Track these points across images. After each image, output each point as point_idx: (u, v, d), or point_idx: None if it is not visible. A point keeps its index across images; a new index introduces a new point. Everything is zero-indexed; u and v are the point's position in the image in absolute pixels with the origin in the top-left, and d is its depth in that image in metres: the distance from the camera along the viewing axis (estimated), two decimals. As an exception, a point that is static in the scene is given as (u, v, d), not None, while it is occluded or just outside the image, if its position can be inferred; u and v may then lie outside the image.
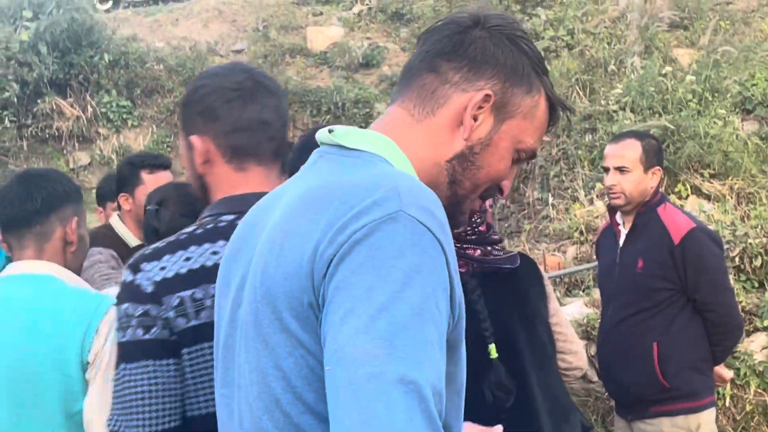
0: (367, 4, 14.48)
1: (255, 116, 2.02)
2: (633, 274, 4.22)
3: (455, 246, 2.84)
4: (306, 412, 1.33)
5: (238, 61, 10.71)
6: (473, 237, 2.87)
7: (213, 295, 1.80)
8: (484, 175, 1.55)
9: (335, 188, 1.37)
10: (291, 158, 2.50)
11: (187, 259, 1.92)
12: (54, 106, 12.29)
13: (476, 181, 1.55)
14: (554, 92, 1.60)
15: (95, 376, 2.55)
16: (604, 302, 4.46)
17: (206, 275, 1.89)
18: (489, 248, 2.89)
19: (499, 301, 2.86)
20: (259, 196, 1.83)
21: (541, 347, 2.96)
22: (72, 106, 12.39)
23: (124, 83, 12.61)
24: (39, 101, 12.24)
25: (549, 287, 3.13)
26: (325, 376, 1.23)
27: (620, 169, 4.23)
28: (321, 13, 14.64)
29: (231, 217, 1.97)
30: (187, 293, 1.89)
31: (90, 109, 12.43)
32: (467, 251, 2.85)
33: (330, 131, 1.54)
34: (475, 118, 1.52)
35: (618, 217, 4.39)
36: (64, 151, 12.40)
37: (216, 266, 1.77)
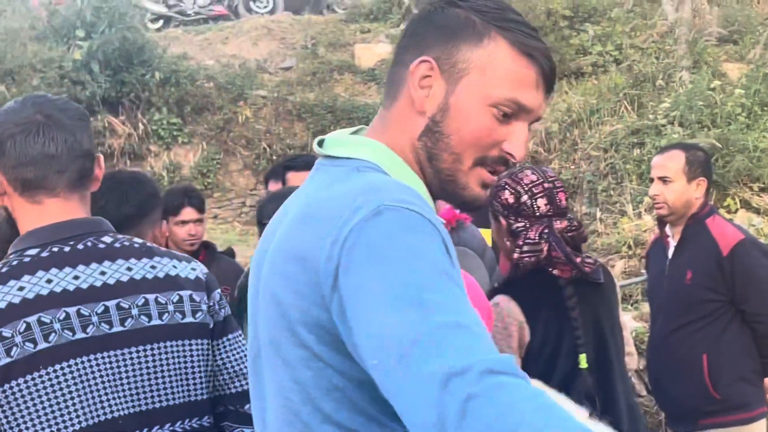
0: (414, 21, 14.53)
1: (39, 150, 2.06)
2: (682, 286, 4.21)
3: (567, 250, 2.89)
4: (325, 421, 1.37)
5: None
6: (572, 233, 2.93)
7: (22, 330, 1.93)
8: (458, 141, 1.48)
9: (327, 203, 1.39)
10: None
11: None
12: (106, 124, 12.49)
13: (453, 150, 1.49)
14: (520, 36, 1.50)
15: None
16: (653, 314, 4.45)
17: (14, 312, 1.96)
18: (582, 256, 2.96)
19: (592, 310, 2.91)
20: (61, 226, 2.06)
21: (623, 356, 3.00)
22: (124, 123, 12.58)
23: (174, 101, 12.78)
24: (91, 119, 12.39)
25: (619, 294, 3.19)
26: (375, 374, 1.24)
27: (663, 179, 4.23)
28: (369, 30, 14.73)
29: (35, 251, 2.04)
30: None
31: (141, 127, 12.62)
32: (575, 259, 2.90)
33: (321, 142, 1.56)
34: (427, 89, 1.49)
35: (667, 229, 4.38)
36: (116, 168, 12.58)
37: (23, 302, 1.95)
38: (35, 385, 1.95)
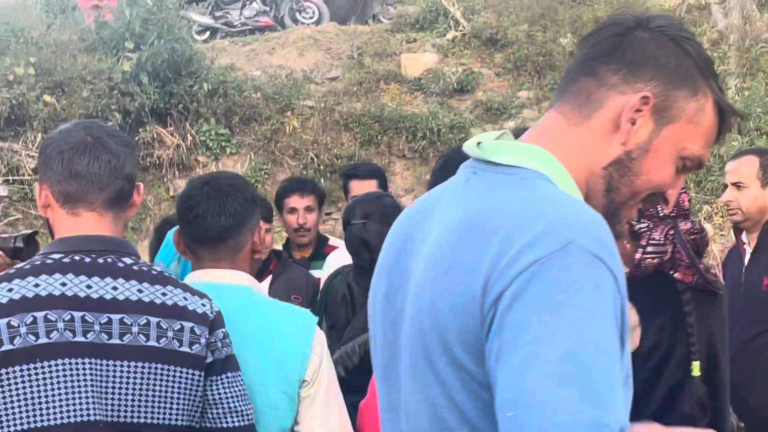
0: (461, 30, 14.49)
1: (83, 167, 2.26)
2: (758, 293, 4.14)
3: (692, 253, 2.82)
4: None
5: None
6: (695, 236, 2.87)
7: (28, 323, 2.14)
8: (643, 182, 1.48)
9: (497, 215, 1.33)
10: (432, 179, 2.57)
11: (9, 290, 2.18)
12: (155, 135, 12.54)
13: (634, 189, 1.48)
14: (724, 97, 1.52)
15: (315, 394, 2.61)
16: (730, 323, 4.36)
17: (25, 305, 2.16)
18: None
19: (706, 319, 2.84)
20: (89, 238, 2.26)
21: (728, 370, 2.94)
22: (172, 134, 12.63)
23: (222, 111, 12.81)
24: (140, 130, 12.50)
25: None
26: (504, 421, 1.19)
27: (737, 185, 4.18)
28: (415, 40, 14.70)
29: (59, 255, 2.24)
30: (3, 321, 2.14)
31: (189, 138, 12.66)
32: (699, 264, 2.83)
33: (478, 143, 1.49)
34: (633, 122, 1.45)
35: (743, 236, 4.32)
36: (165, 179, 12.64)
37: (36, 297, 2.15)
38: (29, 375, 2.13)
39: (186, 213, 2.66)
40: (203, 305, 2.31)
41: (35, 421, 2.13)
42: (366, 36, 14.97)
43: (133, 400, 2.19)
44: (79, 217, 2.29)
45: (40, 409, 2.13)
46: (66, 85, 12.30)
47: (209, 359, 2.28)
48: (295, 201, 4.99)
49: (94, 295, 2.20)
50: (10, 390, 2.12)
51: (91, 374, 2.17)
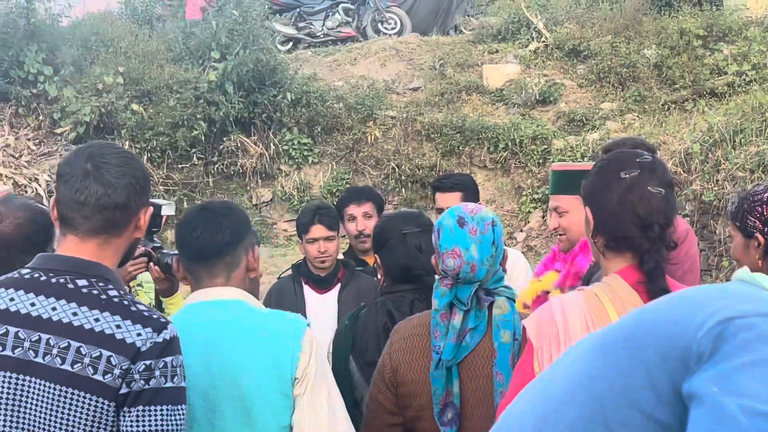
0: (543, 41, 14.42)
1: (71, 196, 2.40)
2: None
3: None
4: None
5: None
6: None
7: None
8: None
9: None
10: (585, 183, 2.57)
11: None
12: (239, 144, 12.70)
13: None
14: None
15: (304, 391, 2.77)
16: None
17: None
18: None
19: None
20: (59, 258, 2.41)
21: None
22: (256, 143, 12.78)
23: (305, 121, 12.92)
24: (225, 139, 12.67)
25: None
26: None
27: None
28: (497, 51, 14.66)
29: (26, 271, 2.41)
30: None
31: (272, 147, 12.80)
32: None
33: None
34: None
35: None
36: (248, 188, 12.79)
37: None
38: None
39: (186, 235, 2.91)
40: (138, 335, 2.31)
41: None
42: (448, 47, 14.98)
43: (42, 420, 2.28)
44: (66, 238, 2.45)
45: None
46: (153, 94, 12.53)
47: (123, 390, 2.29)
48: (353, 209, 5.24)
49: (34, 313, 2.33)
50: None
51: (8, 388, 2.30)
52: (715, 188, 9.17)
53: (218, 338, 2.79)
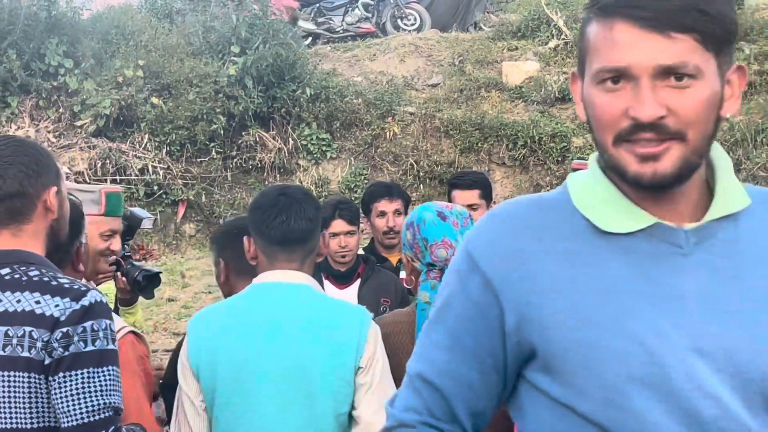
0: (563, 39, 14.38)
1: None
2: None
3: None
4: None
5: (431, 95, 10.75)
6: None
7: None
8: None
9: None
10: None
11: None
12: (257, 139, 12.71)
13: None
14: None
15: (371, 382, 2.80)
16: None
17: None
18: None
19: None
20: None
21: None
22: (274, 138, 12.78)
23: (324, 116, 12.92)
24: (244, 134, 12.68)
25: None
26: None
27: None
28: (516, 48, 14.62)
29: None
30: None
31: (291, 142, 12.79)
32: None
33: None
34: None
35: None
36: (266, 182, 12.78)
37: None
38: None
39: (269, 219, 2.94)
40: (56, 306, 2.37)
41: None
42: (467, 43, 14.95)
43: None
44: None
45: None
46: (173, 88, 12.55)
47: (47, 361, 2.35)
48: (384, 205, 5.17)
49: None
50: None
51: None
52: (736, 188, 9.11)
53: (284, 321, 2.85)
